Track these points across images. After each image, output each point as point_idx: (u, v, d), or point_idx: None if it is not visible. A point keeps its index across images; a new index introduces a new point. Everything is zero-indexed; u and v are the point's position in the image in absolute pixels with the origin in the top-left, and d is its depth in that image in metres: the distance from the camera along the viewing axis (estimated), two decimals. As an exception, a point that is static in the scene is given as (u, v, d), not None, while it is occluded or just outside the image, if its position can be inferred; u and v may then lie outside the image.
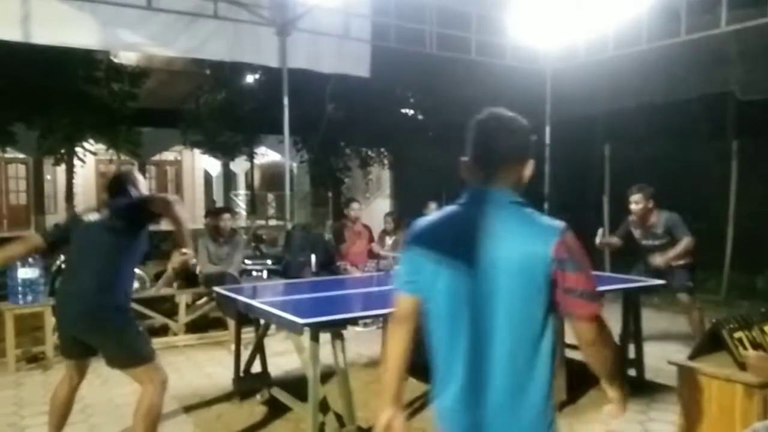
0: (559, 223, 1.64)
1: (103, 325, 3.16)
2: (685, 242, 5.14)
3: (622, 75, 8.29)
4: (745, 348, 2.53)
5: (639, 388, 4.52)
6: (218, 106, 14.52)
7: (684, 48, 7.15)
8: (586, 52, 8.02)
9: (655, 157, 9.92)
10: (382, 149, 14.91)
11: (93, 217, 3.34)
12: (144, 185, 3.59)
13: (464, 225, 1.64)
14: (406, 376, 1.88)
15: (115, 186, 3.47)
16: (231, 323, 5.40)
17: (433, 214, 1.78)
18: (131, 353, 3.18)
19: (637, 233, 5.52)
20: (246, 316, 4.49)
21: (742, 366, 2.50)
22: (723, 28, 6.42)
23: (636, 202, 5.32)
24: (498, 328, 1.58)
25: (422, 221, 1.78)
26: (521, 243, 1.58)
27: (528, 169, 1.70)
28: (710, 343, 2.69)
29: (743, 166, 7.99)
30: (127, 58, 15.08)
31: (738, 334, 2.56)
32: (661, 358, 4.68)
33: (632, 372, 4.64)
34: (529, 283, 1.56)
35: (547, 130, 9.19)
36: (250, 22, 6.98)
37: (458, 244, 1.63)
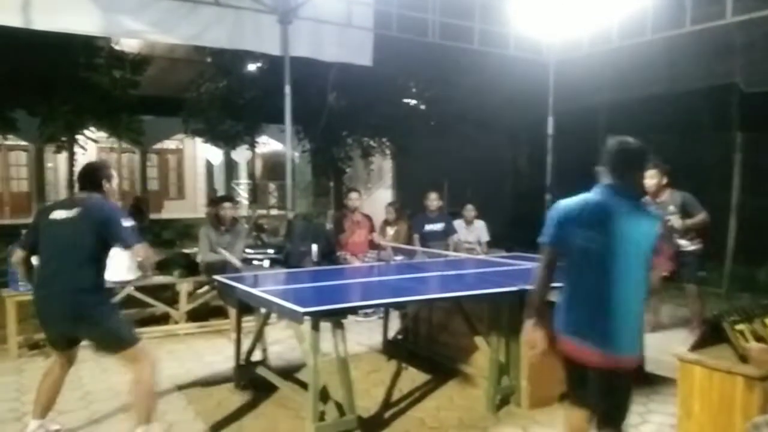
0: (657, 212, 2.94)
1: (90, 320, 3.27)
2: (703, 215, 5.09)
3: (625, 66, 8.24)
4: (746, 340, 2.52)
5: (639, 379, 4.51)
6: (220, 95, 14.44)
7: (689, 39, 7.09)
8: (590, 43, 7.96)
9: (659, 148, 9.84)
10: (384, 139, 14.85)
11: (65, 213, 3.31)
12: (114, 179, 3.60)
13: (603, 207, 2.54)
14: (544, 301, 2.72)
15: (89, 179, 3.44)
16: (232, 312, 5.41)
17: (576, 198, 2.62)
18: (118, 338, 3.32)
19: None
20: (247, 305, 4.50)
21: (743, 358, 2.49)
22: (728, 19, 6.36)
23: (651, 177, 5.21)
24: (623, 275, 2.48)
25: (570, 200, 2.65)
26: (641, 223, 2.55)
27: (644, 178, 2.64)
28: (711, 336, 2.69)
29: (746, 158, 7.95)
30: (128, 45, 14.99)
31: (739, 327, 2.56)
32: (661, 351, 4.69)
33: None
34: (644, 249, 2.53)
35: (550, 121, 9.15)
36: (252, 9, 6.93)
37: (600, 218, 2.52)
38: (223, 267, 5.89)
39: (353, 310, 4.99)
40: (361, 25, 7.60)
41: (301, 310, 3.29)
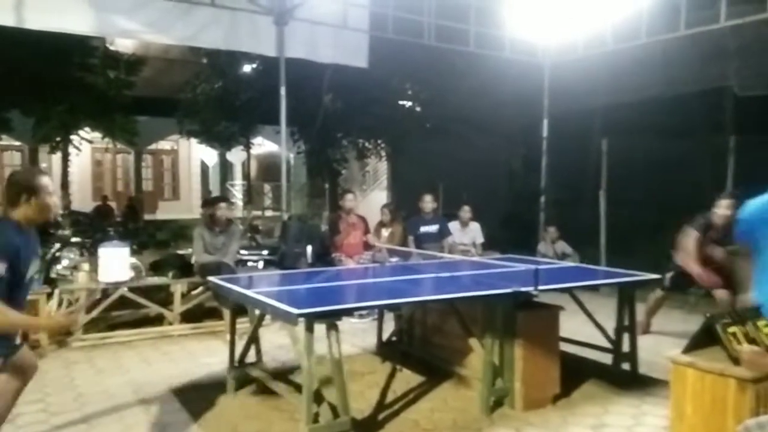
0: None
1: None
2: None
3: (620, 69, 8.28)
4: (739, 342, 2.53)
5: (633, 381, 4.54)
6: (215, 96, 14.43)
7: (683, 42, 7.14)
8: (585, 46, 8.00)
9: (653, 151, 9.93)
10: (380, 141, 14.86)
11: None
12: (49, 189, 2.83)
13: None
14: None
15: (6, 193, 2.79)
16: (226, 313, 5.40)
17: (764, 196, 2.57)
18: None
19: (713, 236, 5.16)
20: (241, 306, 4.49)
21: (736, 360, 2.50)
22: (722, 23, 6.42)
23: (728, 207, 5.04)
24: None
25: (759, 199, 2.59)
26: None
27: None
28: (704, 338, 2.70)
29: (740, 162, 7.99)
30: (123, 45, 14.97)
31: (732, 329, 2.56)
32: (655, 353, 4.71)
33: (626, 366, 4.66)
34: None
35: (545, 123, 9.18)
36: (248, 10, 6.94)
37: None
38: (218, 268, 5.88)
39: (348, 312, 4.99)
40: (356, 26, 7.61)
41: (296, 311, 3.28)
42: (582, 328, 4.86)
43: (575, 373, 4.48)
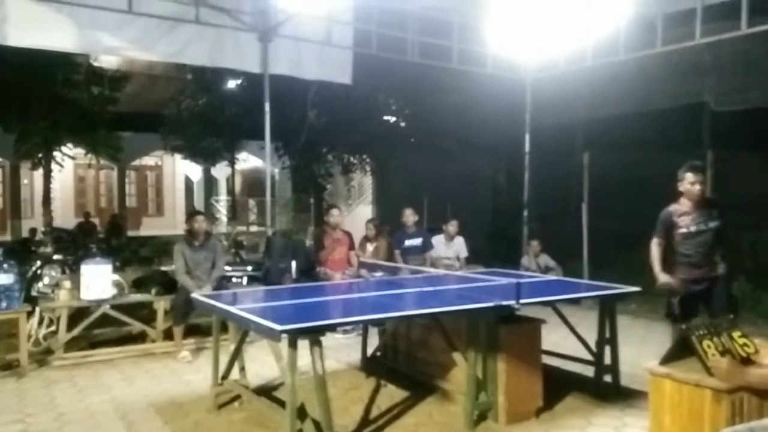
0: None
1: None
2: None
3: (600, 85, 8.42)
4: (713, 354, 2.58)
5: (614, 393, 4.58)
6: (199, 111, 14.43)
7: (660, 59, 7.30)
8: (566, 61, 8.14)
9: (633, 165, 10.08)
10: (365, 156, 14.92)
11: None
12: None
13: None
14: None
15: None
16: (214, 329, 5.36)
17: None
18: None
19: (684, 221, 4.64)
20: (224, 323, 4.47)
21: (711, 372, 2.55)
22: (698, 40, 6.57)
23: (700, 182, 4.56)
24: None
25: None
26: None
27: None
28: (681, 349, 2.75)
29: (717, 176, 8.14)
30: (107, 61, 14.93)
31: (706, 341, 2.62)
32: (636, 365, 4.75)
33: (608, 378, 4.70)
34: None
35: (527, 138, 9.29)
36: (232, 27, 6.98)
37: None
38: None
39: (332, 328, 4.98)
40: (340, 43, 7.68)
41: (279, 327, 3.29)
42: (564, 341, 4.90)
43: (558, 386, 4.51)
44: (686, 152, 9.52)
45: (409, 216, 7.64)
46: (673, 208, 4.72)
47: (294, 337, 3.33)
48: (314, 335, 3.44)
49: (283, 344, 3.37)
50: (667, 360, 2.76)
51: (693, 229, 4.60)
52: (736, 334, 2.67)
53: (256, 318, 3.61)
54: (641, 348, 5.83)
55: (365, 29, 7.66)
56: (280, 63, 7.35)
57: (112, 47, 6.63)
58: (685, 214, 4.65)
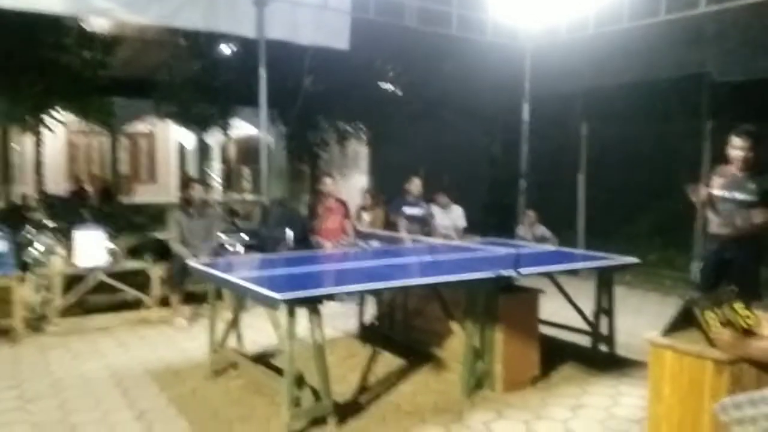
0: None
1: None
2: None
3: (602, 54, 8.28)
4: (716, 325, 2.57)
5: (611, 363, 4.61)
6: (193, 77, 14.18)
7: (663, 28, 7.16)
8: (567, 29, 7.99)
9: (632, 136, 10.00)
10: (360, 124, 14.75)
11: None
12: None
13: None
14: None
15: None
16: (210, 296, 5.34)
17: None
18: None
19: (717, 182, 4.53)
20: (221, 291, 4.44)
21: (713, 343, 2.54)
22: (702, 8, 6.45)
23: (741, 148, 4.39)
24: None
25: None
26: None
27: None
28: (682, 320, 2.73)
29: (716, 146, 8.08)
30: (98, 25, 14.59)
31: (709, 312, 2.60)
32: (632, 335, 4.78)
33: (604, 347, 4.73)
34: None
35: (525, 107, 9.19)
36: (227, -10, 6.79)
37: None
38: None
39: (330, 296, 4.97)
40: (337, 8, 7.49)
41: (278, 296, 3.25)
42: (561, 311, 4.91)
43: (554, 356, 4.54)
44: (686, 122, 9.48)
45: (417, 186, 7.60)
46: (724, 166, 4.59)
47: (292, 305, 3.30)
48: (313, 303, 3.41)
49: (282, 313, 3.34)
50: (668, 331, 2.74)
51: (718, 194, 4.53)
52: (738, 306, 2.66)
53: (255, 286, 3.58)
54: (636, 318, 5.87)
55: (363, -7, 7.48)
56: (275, 28, 7.16)
57: (103, 9, 6.44)
58: (721, 176, 4.56)
